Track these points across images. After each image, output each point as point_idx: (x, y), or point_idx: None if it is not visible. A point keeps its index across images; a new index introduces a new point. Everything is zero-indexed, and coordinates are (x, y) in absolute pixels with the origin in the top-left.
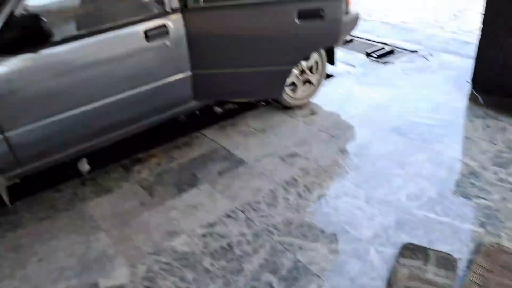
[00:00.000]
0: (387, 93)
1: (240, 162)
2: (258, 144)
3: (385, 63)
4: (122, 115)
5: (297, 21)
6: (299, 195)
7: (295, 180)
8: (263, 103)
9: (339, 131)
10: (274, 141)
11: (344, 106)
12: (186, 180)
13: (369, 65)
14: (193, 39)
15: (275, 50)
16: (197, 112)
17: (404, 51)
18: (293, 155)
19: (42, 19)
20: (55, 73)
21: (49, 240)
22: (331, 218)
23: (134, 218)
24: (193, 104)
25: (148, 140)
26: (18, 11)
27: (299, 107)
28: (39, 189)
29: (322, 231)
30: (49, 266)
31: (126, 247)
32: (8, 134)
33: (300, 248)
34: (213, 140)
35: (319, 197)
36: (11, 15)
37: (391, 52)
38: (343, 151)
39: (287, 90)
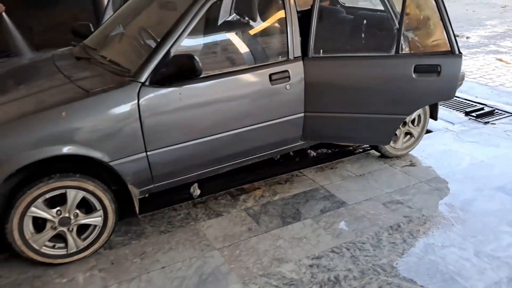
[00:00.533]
0: (489, 152)
1: (341, 203)
2: (358, 188)
3: (485, 123)
4: (241, 146)
5: (414, 75)
6: (405, 240)
7: (399, 226)
8: (360, 150)
9: (441, 184)
10: (374, 187)
11: (444, 161)
12: (290, 214)
13: (468, 124)
14: (310, 84)
15: (389, 99)
16: (291, 153)
17: (505, 113)
18: (395, 202)
19: (196, 59)
20: (195, 104)
21: (169, 251)
22: (439, 267)
23: (243, 241)
24: (299, 144)
25: (252, 173)
26: (173, 50)
27: (398, 157)
28: (158, 206)
29: (431, 278)
30: (170, 274)
31: (238, 266)
32: (149, 153)
33: None
34: (312, 180)
35: (425, 245)
36: (168, 53)
37: (491, 113)
38: (448, 204)
39: None
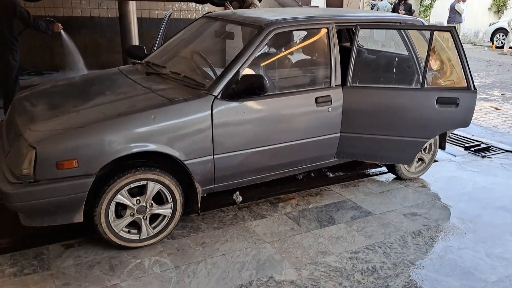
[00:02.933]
0: (489, 180)
1: (368, 212)
2: (380, 201)
3: (483, 157)
4: (288, 158)
5: (436, 105)
6: (426, 243)
7: (420, 232)
8: (377, 172)
9: (451, 202)
10: (394, 202)
11: (451, 185)
12: (325, 218)
13: (468, 156)
14: (347, 108)
15: (415, 125)
16: (312, 174)
17: (500, 149)
18: (414, 214)
19: (264, 78)
20: (256, 117)
21: (226, 242)
22: (457, 263)
23: (289, 238)
24: (332, 160)
25: (286, 186)
26: (241, 71)
27: (411, 180)
28: (207, 208)
29: (452, 271)
30: (231, 259)
31: (288, 256)
32: (216, 156)
33: (436, 279)
34: (340, 194)
35: (444, 247)
36: (237, 73)
37: (487, 149)
38: (459, 218)
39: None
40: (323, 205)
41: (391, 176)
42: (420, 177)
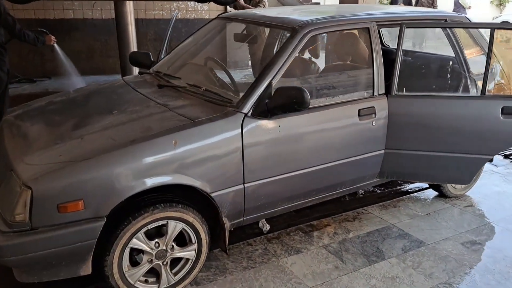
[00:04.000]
0: None
1: (420, 242)
2: (429, 227)
3: None
4: (327, 181)
5: (501, 116)
6: (499, 282)
7: (486, 267)
8: (416, 189)
9: (510, 225)
10: (445, 226)
11: (503, 202)
12: (372, 252)
13: (510, 165)
14: (392, 121)
15: (474, 139)
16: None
17: None
18: (473, 242)
19: (305, 91)
20: (292, 136)
21: None
22: None
23: (335, 280)
24: (374, 181)
25: (317, 210)
26: (274, 82)
27: (456, 197)
28: (231, 241)
29: None
30: None
31: None
32: (247, 185)
33: None
34: (380, 218)
35: None
36: (269, 85)
37: None
38: None
39: None
40: (365, 233)
41: (432, 193)
42: (466, 194)
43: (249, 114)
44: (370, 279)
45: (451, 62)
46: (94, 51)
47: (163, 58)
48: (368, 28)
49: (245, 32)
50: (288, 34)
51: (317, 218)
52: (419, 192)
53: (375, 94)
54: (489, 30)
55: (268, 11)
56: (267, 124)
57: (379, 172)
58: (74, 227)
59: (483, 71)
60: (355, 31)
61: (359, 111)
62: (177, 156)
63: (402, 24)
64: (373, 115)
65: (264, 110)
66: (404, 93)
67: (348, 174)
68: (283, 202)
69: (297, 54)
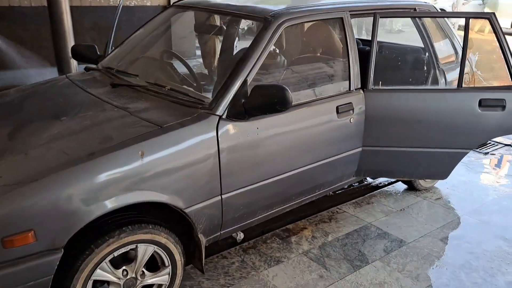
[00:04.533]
0: (509, 181)
1: (400, 241)
2: (407, 223)
3: (485, 153)
4: (307, 184)
5: (478, 109)
6: (485, 280)
7: (470, 264)
8: (385, 183)
9: (484, 216)
10: (422, 222)
11: (471, 193)
12: (354, 256)
13: (471, 154)
14: (369, 117)
15: (453, 133)
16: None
17: (498, 143)
18: (452, 238)
19: (287, 90)
20: (270, 138)
21: None
22: None
23: None
24: (350, 180)
25: (290, 212)
26: (250, 79)
27: (426, 190)
28: (206, 254)
29: None
30: None
31: None
32: (224, 196)
33: None
34: (356, 216)
35: (506, 283)
36: (244, 82)
37: (484, 144)
38: (503, 238)
39: None
40: (344, 235)
41: (402, 186)
42: (434, 185)
43: (223, 116)
44: (358, 287)
45: (423, 53)
46: (24, 42)
47: (111, 51)
48: (341, 18)
49: (207, 22)
50: (260, 25)
51: (292, 221)
52: (389, 186)
53: (351, 89)
54: (463, 19)
55: None
56: (244, 126)
57: (356, 170)
58: (25, 264)
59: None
60: (326, 22)
61: (337, 107)
62: (145, 169)
63: (375, 13)
64: (351, 112)
65: (240, 111)
66: (380, 87)
67: (328, 175)
68: (263, 210)
69: (272, 48)
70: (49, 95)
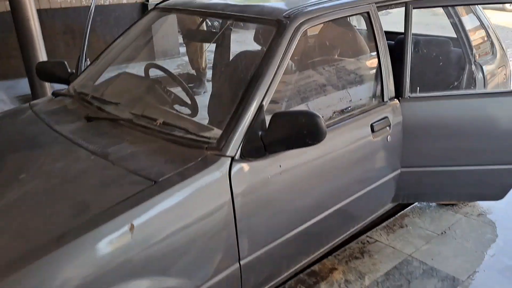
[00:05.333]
0: None
1: (452, 279)
2: (453, 252)
3: None
4: (339, 225)
5: None
6: None
7: None
8: None
9: None
10: (470, 249)
11: None
12: None
13: None
14: (408, 132)
15: (510, 146)
16: None
17: None
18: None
19: (319, 117)
20: (296, 175)
21: None
22: None
23: None
24: (387, 207)
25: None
26: (267, 101)
27: (464, 204)
28: None
29: None
30: None
31: None
32: (243, 262)
33: None
34: (392, 247)
35: None
36: (260, 109)
37: None
38: None
39: None
40: (383, 275)
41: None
42: None
43: (236, 157)
44: None
45: (457, 46)
46: None
47: (85, 68)
48: (368, 13)
49: (201, 28)
50: (273, 30)
51: (317, 260)
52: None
53: (385, 100)
54: None
55: None
56: (264, 165)
57: (394, 196)
58: None
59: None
60: (349, 18)
61: (372, 125)
62: (137, 249)
63: (407, 3)
64: (388, 128)
65: (258, 147)
66: (418, 94)
67: (363, 209)
68: (290, 266)
69: (289, 60)
70: (4, 137)
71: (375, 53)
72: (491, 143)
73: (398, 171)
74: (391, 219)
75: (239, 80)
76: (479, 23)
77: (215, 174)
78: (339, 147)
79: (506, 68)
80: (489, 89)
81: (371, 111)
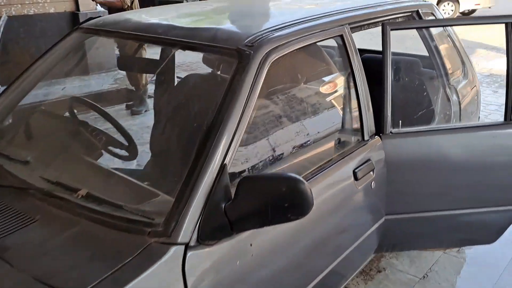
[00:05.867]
0: None
1: None
2: None
3: None
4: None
5: None
6: None
7: None
8: None
9: None
10: None
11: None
12: None
13: None
14: (392, 174)
15: (506, 186)
16: None
17: None
18: None
19: (304, 183)
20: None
21: None
22: None
23: None
24: (367, 261)
25: None
26: (231, 157)
27: None
28: None
29: None
30: None
31: None
32: None
33: None
34: None
35: None
36: (222, 169)
37: None
38: None
39: None
40: None
41: None
42: None
43: (192, 243)
44: None
45: (430, 66)
46: None
47: None
48: (341, 36)
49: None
50: (233, 63)
51: None
52: None
53: (366, 138)
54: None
55: (162, 11)
56: (230, 248)
57: (377, 247)
58: None
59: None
60: (335, 39)
61: (354, 172)
62: None
63: (384, 24)
64: (371, 173)
65: (222, 226)
66: (401, 129)
67: (346, 268)
68: None
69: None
70: None
71: (350, 81)
72: (485, 183)
73: (382, 220)
74: (367, 261)
75: (190, 119)
76: (449, 40)
77: (162, 274)
78: (322, 204)
79: (476, 89)
80: (466, 114)
81: (352, 155)
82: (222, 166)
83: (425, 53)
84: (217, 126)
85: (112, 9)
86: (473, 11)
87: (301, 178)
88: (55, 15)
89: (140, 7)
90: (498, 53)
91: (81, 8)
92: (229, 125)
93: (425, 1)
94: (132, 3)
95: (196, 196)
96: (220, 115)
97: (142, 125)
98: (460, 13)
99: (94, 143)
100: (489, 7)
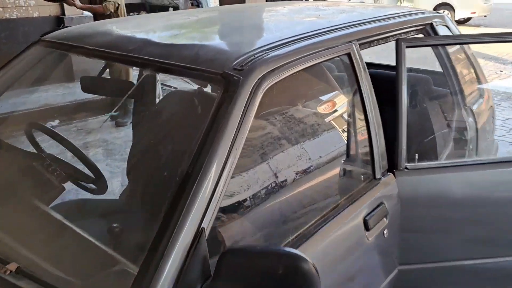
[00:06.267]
0: None
1: None
2: None
3: None
4: None
5: None
6: None
7: None
8: None
9: None
10: None
11: None
12: None
13: None
14: (408, 219)
15: None
16: None
17: None
18: None
19: (308, 262)
20: None
21: None
22: None
23: None
24: None
25: None
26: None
27: None
28: None
29: None
30: None
31: None
32: None
33: None
34: None
35: None
36: (199, 235)
37: None
38: None
39: None
40: None
41: None
42: None
43: None
44: None
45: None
46: None
47: None
48: (349, 54)
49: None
50: (218, 92)
51: None
52: None
53: (377, 176)
54: None
55: (142, 22)
56: None
57: None
58: None
59: None
60: (343, 58)
61: (365, 221)
62: None
63: (398, 40)
64: (385, 219)
65: None
66: (417, 163)
67: None
68: None
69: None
70: None
71: (360, 107)
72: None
73: (395, 271)
74: None
75: (163, 163)
76: (461, 52)
77: None
78: (326, 264)
79: (492, 107)
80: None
81: (362, 198)
82: (200, 231)
83: (429, 66)
84: (193, 177)
85: (97, 15)
86: (469, 19)
87: (303, 255)
88: (39, 19)
89: (128, 14)
90: (496, 63)
91: (66, 13)
92: (210, 175)
93: (439, 13)
94: (117, 9)
95: (164, 273)
96: (199, 162)
97: (126, 139)
98: (456, 21)
99: (53, 178)
100: (485, 16)
